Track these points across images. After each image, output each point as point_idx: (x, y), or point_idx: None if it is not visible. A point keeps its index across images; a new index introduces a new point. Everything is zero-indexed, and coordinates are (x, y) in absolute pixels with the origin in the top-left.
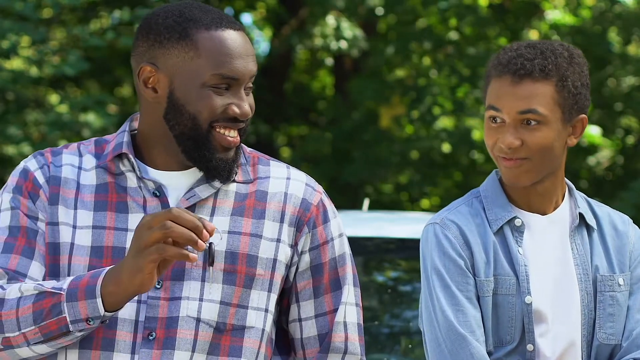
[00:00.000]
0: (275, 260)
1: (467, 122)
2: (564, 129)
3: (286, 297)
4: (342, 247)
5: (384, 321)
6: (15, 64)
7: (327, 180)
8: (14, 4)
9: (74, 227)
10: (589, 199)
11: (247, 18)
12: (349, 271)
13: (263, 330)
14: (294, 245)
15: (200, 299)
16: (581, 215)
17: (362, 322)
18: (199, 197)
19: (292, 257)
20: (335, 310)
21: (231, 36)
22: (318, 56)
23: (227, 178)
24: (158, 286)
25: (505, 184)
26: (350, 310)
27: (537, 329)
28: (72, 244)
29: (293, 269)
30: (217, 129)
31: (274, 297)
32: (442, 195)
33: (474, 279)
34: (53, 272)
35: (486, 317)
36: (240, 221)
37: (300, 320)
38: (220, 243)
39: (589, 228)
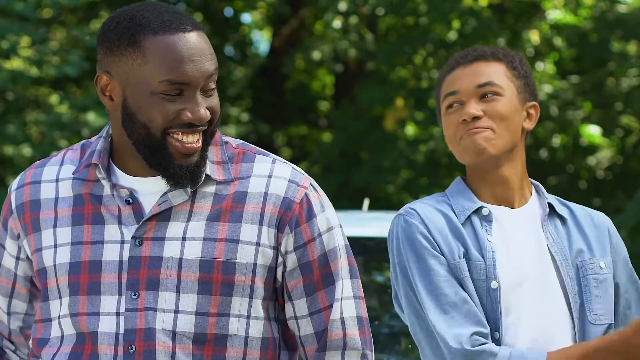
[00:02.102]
0: (255, 264)
1: None
2: (520, 108)
3: (280, 295)
4: (332, 241)
5: (384, 321)
6: (15, 64)
7: (336, 186)
8: (14, 4)
9: (55, 246)
10: (563, 200)
11: (247, 18)
12: (343, 264)
13: (246, 337)
14: (276, 247)
15: (176, 311)
16: (550, 206)
17: (364, 313)
18: (170, 203)
19: (275, 259)
20: (331, 306)
21: (180, 39)
22: (323, 64)
23: (190, 184)
24: (134, 297)
25: (471, 177)
26: (347, 304)
27: (506, 316)
28: (54, 266)
29: (280, 270)
30: (173, 135)
31: (257, 302)
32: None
33: (447, 261)
34: (44, 296)
35: (473, 297)
36: (217, 226)
37: (296, 318)
38: (194, 251)
39: (561, 218)
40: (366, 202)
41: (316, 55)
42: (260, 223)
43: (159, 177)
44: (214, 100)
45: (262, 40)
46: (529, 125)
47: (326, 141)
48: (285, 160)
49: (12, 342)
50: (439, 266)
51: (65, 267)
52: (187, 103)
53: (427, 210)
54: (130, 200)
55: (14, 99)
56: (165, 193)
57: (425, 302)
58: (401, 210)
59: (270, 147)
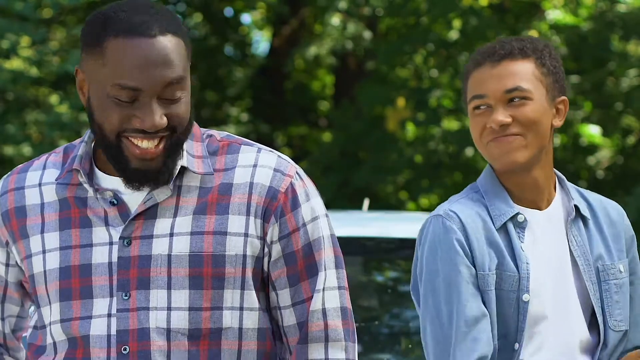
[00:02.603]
0: (244, 256)
1: (468, 122)
2: (549, 108)
3: (266, 285)
4: (317, 231)
5: (384, 321)
6: (15, 64)
7: (336, 185)
8: (14, 4)
9: (44, 251)
10: (580, 189)
11: (247, 18)
12: (327, 254)
13: (241, 329)
14: (262, 237)
15: (169, 308)
16: (576, 207)
17: (347, 304)
18: (155, 201)
19: (262, 249)
20: (313, 296)
21: (140, 43)
22: (321, 62)
23: (151, 186)
24: (125, 297)
25: (501, 177)
26: (330, 295)
27: (529, 328)
28: (44, 272)
29: (266, 260)
30: (129, 138)
31: (249, 293)
32: (441, 194)
33: (476, 272)
34: (37, 303)
35: (491, 312)
36: (203, 220)
37: (279, 308)
38: (182, 246)
39: (584, 219)
40: (366, 202)
41: (313, 50)
42: (247, 214)
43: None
44: (179, 108)
45: (262, 40)
46: (559, 122)
47: (326, 141)
48: (270, 149)
49: (7, 347)
50: (468, 277)
51: (55, 273)
52: (140, 109)
53: (467, 215)
54: (115, 202)
55: (14, 99)
56: (150, 191)
57: (444, 310)
58: (440, 211)
59: (270, 147)
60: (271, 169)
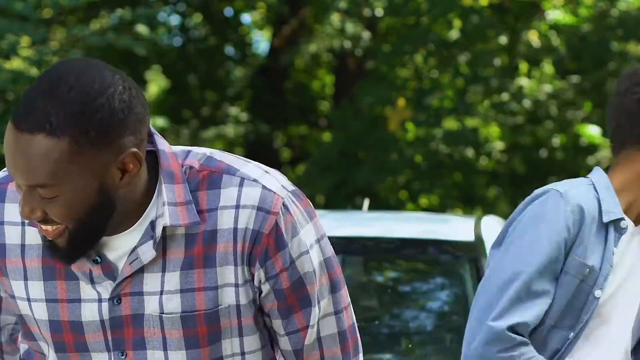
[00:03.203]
0: (238, 305)
1: (468, 122)
2: None
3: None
4: (307, 265)
5: (384, 321)
6: (15, 64)
7: (335, 185)
8: (14, 4)
9: (29, 299)
10: None
11: (247, 18)
12: (321, 283)
13: None
14: (251, 280)
15: None
16: None
17: (346, 324)
18: (141, 263)
19: (253, 291)
20: (307, 327)
21: (11, 134)
22: (321, 61)
23: (67, 261)
24: (122, 356)
25: (612, 181)
26: (326, 323)
27: (589, 326)
28: (34, 319)
29: (257, 297)
30: None
31: (248, 338)
32: (441, 194)
33: (566, 256)
34: (29, 337)
35: (564, 295)
36: (192, 275)
37: (275, 332)
38: (173, 305)
39: None
40: (366, 202)
41: (312, 48)
42: (235, 263)
43: (125, 232)
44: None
45: (262, 40)
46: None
47: (326, 141)
48: (254, 178)
49: (2, 352)
50: (555, 260)
51: (45, 324)
52: (20, 196)
53: (589, 204)
54: (99, 260)
55: (14, 99)
56: (134, 249)
57: (514, 269)
58: (562, 189)
59: (270, 147)
60: (254, 208)
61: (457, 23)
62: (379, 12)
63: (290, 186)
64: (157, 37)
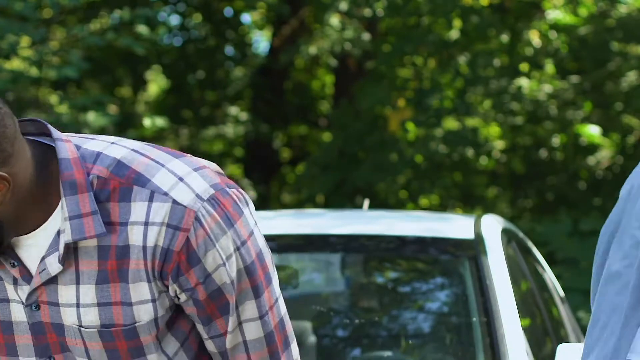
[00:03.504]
0: (156, 319)
1: (468, 122)
2: None
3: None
4: (224, 277)
5: (384, 321)
6: (15, 64)
7: (335, 185)
8: (14, 4)
9: None
10: None
11: (247, 18)
12: (241, 290)
13: None
14: (166, 291)
15: None
16: None
17: (271, 328)
18: (49, 274)
19: (170, 298)
20: (230, 332)
21: None
22: (321, 61)
23: None
24: None
25: None
26: (251, 328)
27: None
28: None
29: (174, 302)
30: None
31: (171, 345)
32: (442, 195)
33: None
34: None
35: None
36: (108, 289)
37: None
38: (91, 318)
39: None
40: (366, 202)
41: (312, 50)
42: (148, 280)
43: (35, 231)
44: None
45: (262, 40)
46: None
47: (326, 141)
48: (165, 190)
49: None
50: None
51: None
52: None
53: None
54: (15, 263)
55: (14, 99)
56: (42, 259)
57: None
58: None
59: (270, 147)
60: (163, 224)
61: (457, 23)
62: (380, 12)
63: (208, 191)
64: (157, 37)
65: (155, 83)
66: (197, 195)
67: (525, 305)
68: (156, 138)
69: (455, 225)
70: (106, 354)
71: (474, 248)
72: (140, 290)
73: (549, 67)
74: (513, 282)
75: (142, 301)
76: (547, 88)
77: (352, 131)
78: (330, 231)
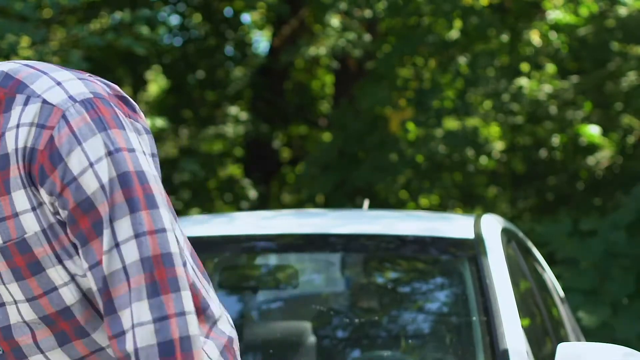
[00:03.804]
0: (44, 230)
1: (468, 122)
2: None
3: None
4: (92, 181)
5: (384, 321)
6: None
7: (335, 185)
8: (14, 4)
9: None
10: None
11: (247, 18)
12: (115, 202)
13: (86, 296)
14: (44, 203)
15: (14, 302)
16: None
17: (150, 254)
18: None
19: (52, 213)
20: (106, 255)
21: None
22: (321, 62)
23: None
24: None
25: None
26: (128, 248)
27: None
28: None
29: (59, 219)
30: None
31: (72, 261)
32: (442, 195)
33: None
34: None
35: None
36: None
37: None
38: None
39: None
40: (366, 203)
41: (312, 51)
42: (23, 186)
43: None
44: None
45: (262, 40)
46: None
47: (326, 141)
48: (39, 93)
49: None
50: None
51: None
52: None
53: None
54: None
55: None
56: None
57: None
58: None
59: (270, 147)
60: (31, 125)
61: (457, 23)
62: (381, 13)
63: (85, 95)
64: (157, 37)
65: (155, 83)
66: (70, 97)
67: (525, 305)
68: (156, 138)
69: (455, 225)
70: (12, 274)
71: (474, 248)
72: (20, 199)
73: (549, 67)
74: (513, 282)
75: (25, 210)
76: (547, 88)
77: (352, 131)
78: (331, 231)
